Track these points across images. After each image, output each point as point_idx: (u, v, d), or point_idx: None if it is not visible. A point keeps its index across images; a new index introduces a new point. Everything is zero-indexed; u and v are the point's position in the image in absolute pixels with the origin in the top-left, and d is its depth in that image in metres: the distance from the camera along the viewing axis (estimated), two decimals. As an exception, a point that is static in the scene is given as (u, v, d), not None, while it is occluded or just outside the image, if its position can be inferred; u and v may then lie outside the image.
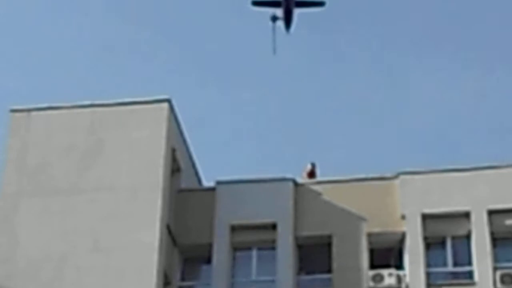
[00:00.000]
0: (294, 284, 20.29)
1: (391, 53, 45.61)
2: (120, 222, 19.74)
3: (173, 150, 21.69)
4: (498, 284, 18.92)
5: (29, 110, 22.01)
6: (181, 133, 22.81)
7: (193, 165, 23.89)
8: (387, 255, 20.67)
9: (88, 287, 19.08)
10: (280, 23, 17.68)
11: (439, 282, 19.99)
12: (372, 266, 19.90)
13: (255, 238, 20.89)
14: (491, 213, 19.81)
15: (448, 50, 45.94)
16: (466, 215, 19.97)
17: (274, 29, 17.40)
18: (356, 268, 19.94)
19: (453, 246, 20.29)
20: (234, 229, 20.88)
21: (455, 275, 19.92)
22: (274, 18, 17.42)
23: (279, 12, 17.30)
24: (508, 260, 19.73)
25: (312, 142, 41.65)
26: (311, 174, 22.27)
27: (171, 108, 21.79)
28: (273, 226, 20.57)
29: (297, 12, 16.89)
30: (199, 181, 24.23)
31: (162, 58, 46.70)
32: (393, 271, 19.78)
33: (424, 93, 44.92)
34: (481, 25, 47.21)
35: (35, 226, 19.86)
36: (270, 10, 17.39)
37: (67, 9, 49.61)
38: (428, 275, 19.57)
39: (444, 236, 20.37)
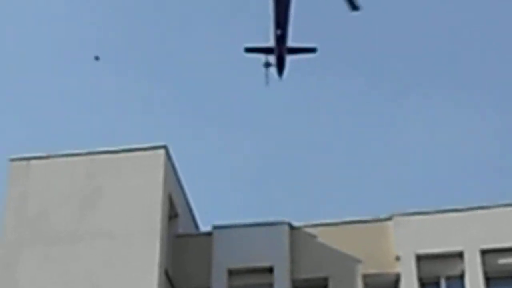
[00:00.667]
0: (296, 327, 20.66)
1: (384, 95, 46.31)
2: (119, 268, 19.50)
3: (170, 196, 21.54)
4: (497, 323, 19.04)
5: (28, 159, 21.87)
6: (177, 178, 22.69)
7: (190, 210, 23.68)
8: None
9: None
10: (273, 69, 17.77)
11: (438, 327, 20.67)
12: None
13: (252, 281, 20.76)
14: (484, 252, 19.61)
15: (439, 92, 46.51)
16: (460, 255, 19.76)
17: (267, 75, 17.45)
18: (351, 307, 20.60)
19: (448, 286, 20.18)
20: (231, 273, 20.64)
21: (453, 316, 20.46)
22: (267, 64, 17.46)
23: (271, 58, 17.46)
24: None
25: (307, 185, 42.31)
26: None
27: (168, 155, 21.75)
28: (270, 270, 20.44)
29: (289, 58, 17.01)
30: (196, 226, 23.94)
31: (158, 105, 47.41)
32: (389, 312, 19.94)
33: (417, 134, 45.52)
34: (472, 65, 47.79)
35: (36, 273, 19.70)
36: (263, 57, 17.59)
37: (65, 57, 50.26)
38: (426, 317, 20.17)
39: (438, 276, 20.21)
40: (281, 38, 16.67)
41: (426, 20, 47.38)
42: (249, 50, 17.53)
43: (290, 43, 16.93)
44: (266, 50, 17.39)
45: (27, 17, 49.14)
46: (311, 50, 17.33)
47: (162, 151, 21.32)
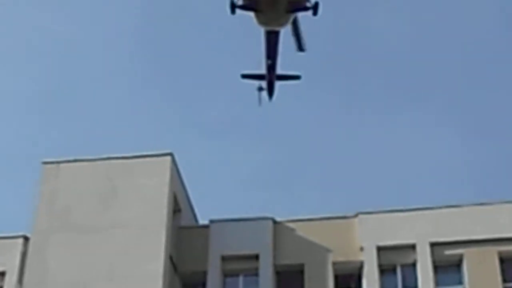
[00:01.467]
0: (276, 303, 22.24)
1: (353, 111, 48.77)
2: (131, 254, 21.18)
3: (175, 194, 23.26)
4: (441, 301, 20.97)
5: (58, 162, 23.50)
6: (181, 180, 24.31)
7: (191, 207, 25.34)
8: (348, 280, 22.35)
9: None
10: (265, 93, 18.30)
11: (392, 305, 22.04)
12: (338, 286, 21.79)
13: (241, 266, 22.60)
14: (433, 245, 21.49)
15: (396, 110, 49.13)
16: (413, 246, 21.71)
17: (260, 97, 17.94)
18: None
19: (402, 272, 21.95)
20: (224, 259, 22.47)
21: (405, 297, 21.74)
22: (260, 89, 17.82)
23: (264, 84, 17.98)
24: (447, 284, 21.55)
25: (288, 187, 45.21)
26: None
27: (173, 160, 23.45)
28: (256, 257, 22.29)
29: (278, 84, 17.69)
30: (196, 219, 25.54)
31: (168, 116, 50.11)
32: (355, 293, 22.05)
33: (378, 148, 48.18)
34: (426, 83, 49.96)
35: (61, 257, 21.38)
36: (257, 82, 18.16)
37: (89, 76, 52.08)
38: (383, 297, 21.73)
39: (395, 264, 22.04)
40: (271, 67, 17.07)
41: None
42: (244, 76, 17.93)
43: (279, 71, 17.43)
44: (259, 77, 17.64)
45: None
46: (296, 77, 17.93)
47: (168, 158, 23.18)
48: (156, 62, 51.87)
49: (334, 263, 22.13)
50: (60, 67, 51.97)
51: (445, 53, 48.49)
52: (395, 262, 22.21)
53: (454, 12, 46.81)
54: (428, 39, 48.96)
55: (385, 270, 22.10)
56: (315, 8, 15.14)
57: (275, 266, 22.46)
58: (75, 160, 23.83)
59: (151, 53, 50.88)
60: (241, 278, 22.80)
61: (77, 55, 51.51)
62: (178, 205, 23.96)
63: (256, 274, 22.42)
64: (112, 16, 49.43)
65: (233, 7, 14.96)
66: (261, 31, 16.31)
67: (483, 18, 49.37)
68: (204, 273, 22.46)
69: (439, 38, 48.78)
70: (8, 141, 52.20)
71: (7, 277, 22.37)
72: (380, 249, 21.97)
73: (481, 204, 22.71)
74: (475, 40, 50.34)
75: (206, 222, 24.32)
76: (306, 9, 15.37)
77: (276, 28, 16.12)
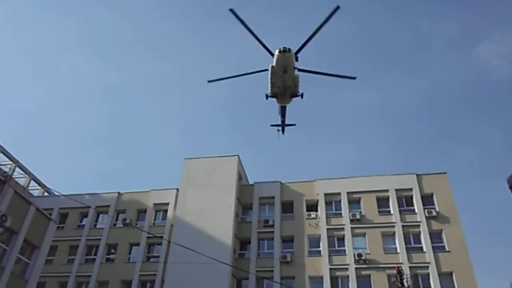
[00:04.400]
0: (282, 216, 34.81)
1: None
2: (222, 196, 35.19)
3: (239, 172, 37.51)
4: (351, 217, 33.29)
5: (190, 158, 37.38)
6: (242, 166, 38.51)
7: (246, 177, 39.80)
8: (312, 207, 35.80)
9: (207, 218, 32.96)
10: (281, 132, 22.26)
11: (331, 218, 34.25)
12: (307, 210, 35.30)
13: (267, 201, 36.66)
14: (348, 193, 35.18)
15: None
16: (339, 194, 35.40)
17: (278, 134, 21.73)
18: (301, 211, 35.24)
19: (335, 205, 35.31)
20: (260, 198, 36.86)
21: (336, 214, 34.41)
22: (278, 130, 21.35)
23: (280, 128, 21.90)
24: (354, 209, 34.05)
25: (290, 166, 69.12)
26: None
27: (239, 158, 37.58)
28: (273, 197, 36.47)
29: (286, 128, 21.95)
30: (248, 182, 39.65)
31: (233, 137, 71.32)
32: (314, 212, 34.85)
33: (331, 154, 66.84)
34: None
35: (192, 198, 35.47)
36: (277, 127, 21.05)
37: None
38: (327, 215, 34.43)
39: (332, 201, 35.63)
40: (283, 121, 20.92)
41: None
42: (272, 125, 21.42)
43: (287, 121, 21.52)
44: (278, 125, 20.94)
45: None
46: (293, 124, 21.52)
47: (236, 157, 37.59)
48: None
49: (306, 200, 35.95)
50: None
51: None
52: (332, 200, 35.64)
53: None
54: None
55: (327, 204, 35.58)
56: (302, 95, 18.03)
57: (281, 201, 36.28)
58: (198, 157, 38.40)
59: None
60: (266, 206, 36.47)
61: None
62: (241, 176, 37.73)
63: (273, 204, 36.22)
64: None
65: (267, 96, 17.83)
66: (278, 106, 20.07)
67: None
68: (251, 204, 36.53)
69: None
70: (170, 149, 77.15)
71: (169, 206, 36.66)
72: (325, 194, 35.62)
73: (368, 176, 36.05)
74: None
75: (252, 183, 38.34)
76: (298, 95, 18.05)
77: (285, 104, 19.54)
